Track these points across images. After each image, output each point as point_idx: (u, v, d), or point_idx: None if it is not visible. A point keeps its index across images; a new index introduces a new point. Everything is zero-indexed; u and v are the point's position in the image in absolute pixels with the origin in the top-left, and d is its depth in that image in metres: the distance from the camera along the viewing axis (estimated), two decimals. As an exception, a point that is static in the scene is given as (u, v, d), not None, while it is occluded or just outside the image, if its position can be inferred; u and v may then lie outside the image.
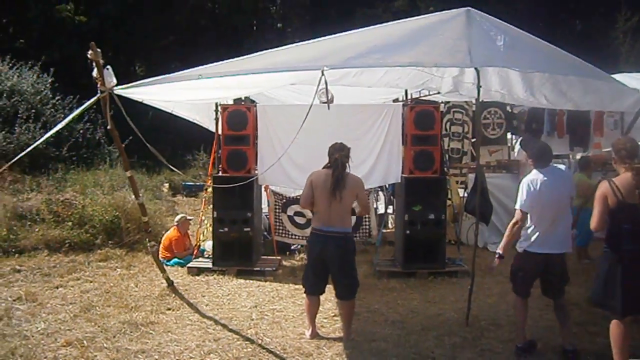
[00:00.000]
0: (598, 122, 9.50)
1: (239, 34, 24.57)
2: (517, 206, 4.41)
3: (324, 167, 4.80)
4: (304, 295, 4.95)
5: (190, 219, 8.02)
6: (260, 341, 4.72)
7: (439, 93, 7.88)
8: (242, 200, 6.93)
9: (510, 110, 10.32)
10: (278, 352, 4.49)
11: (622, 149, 3.94)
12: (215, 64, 4.57)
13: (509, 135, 10.80)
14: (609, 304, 3.90)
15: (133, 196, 8.65)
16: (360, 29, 4.94)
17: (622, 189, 3.81)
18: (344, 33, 4.94)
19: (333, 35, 4.85)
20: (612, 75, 5.91)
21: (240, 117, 7.03)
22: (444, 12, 4.85)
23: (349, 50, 4.58)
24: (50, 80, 15.55)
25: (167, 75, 4.42)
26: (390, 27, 4.93)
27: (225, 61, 4.54)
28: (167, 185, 14.56)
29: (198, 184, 14.39)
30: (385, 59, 4.58)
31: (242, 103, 7.20)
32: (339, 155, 4.66)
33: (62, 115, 15.08)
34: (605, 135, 9.62)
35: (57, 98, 15.44)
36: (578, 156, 9.99)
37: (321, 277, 4.79)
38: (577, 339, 4.59)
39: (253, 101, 8.41)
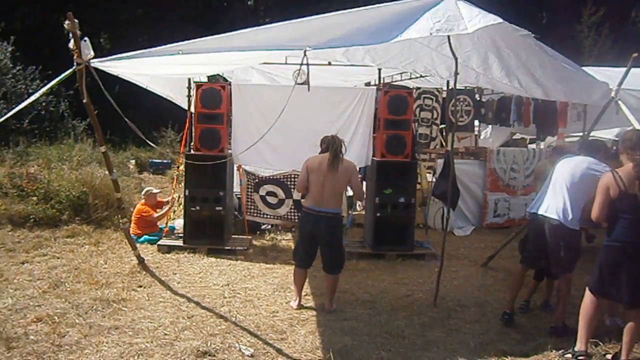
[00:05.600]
0: (562, 113, 9.78)
1: (209, 11, 24.07)
2: None
3: (320, 153, 5.09)
4: (294, 267, 5.26)
5: (156, 193, 7.91)
6: (233, 319, 4.76)
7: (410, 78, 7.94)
8: (214, 178, 6.91)
9: (478, 99, 10.53)
10: (252, 330, 4.53)
11: (628, 139, 4.00)
12: (195, 40, 4.51)
13: (476, 123, 11.04)
14: (613, 294, 3.94)
15: (101, 172, 8.58)
16: (343, 11, 4.91)
17: (624, 179, 3.84)
18: (325, 14, 4.91)
19: (315, 16, 4.82)
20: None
21: (214, 95, 6.95)
22: None
23: (331, 32, 4.56)
24: (10, 49, 14.97)
25: (146, 50, 4.33)
26: (374, 10, 4.90)
27: (207, 38, 4.49)
28: (133, 162, 14.29)
29: (165, 161, 14.21)
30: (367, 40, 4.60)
31: (215, 81, 7.13)
32: (337, 140, 4.98)
33: (24, 86, 14.57)
34: (568, 126, 9.94)
35: (17, 68, 14.89)
36: (542, 145, 10.37)
37: (310, 253, 5.13)
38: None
39: (226, 79, 8.36)
